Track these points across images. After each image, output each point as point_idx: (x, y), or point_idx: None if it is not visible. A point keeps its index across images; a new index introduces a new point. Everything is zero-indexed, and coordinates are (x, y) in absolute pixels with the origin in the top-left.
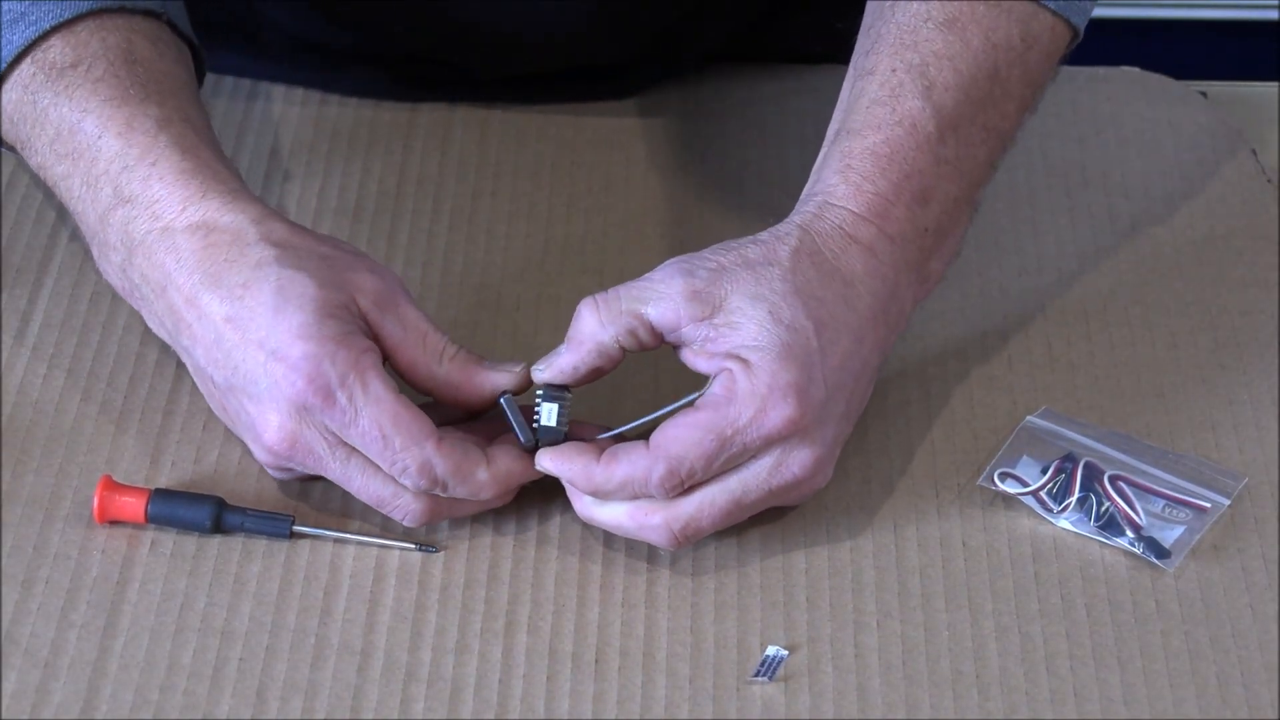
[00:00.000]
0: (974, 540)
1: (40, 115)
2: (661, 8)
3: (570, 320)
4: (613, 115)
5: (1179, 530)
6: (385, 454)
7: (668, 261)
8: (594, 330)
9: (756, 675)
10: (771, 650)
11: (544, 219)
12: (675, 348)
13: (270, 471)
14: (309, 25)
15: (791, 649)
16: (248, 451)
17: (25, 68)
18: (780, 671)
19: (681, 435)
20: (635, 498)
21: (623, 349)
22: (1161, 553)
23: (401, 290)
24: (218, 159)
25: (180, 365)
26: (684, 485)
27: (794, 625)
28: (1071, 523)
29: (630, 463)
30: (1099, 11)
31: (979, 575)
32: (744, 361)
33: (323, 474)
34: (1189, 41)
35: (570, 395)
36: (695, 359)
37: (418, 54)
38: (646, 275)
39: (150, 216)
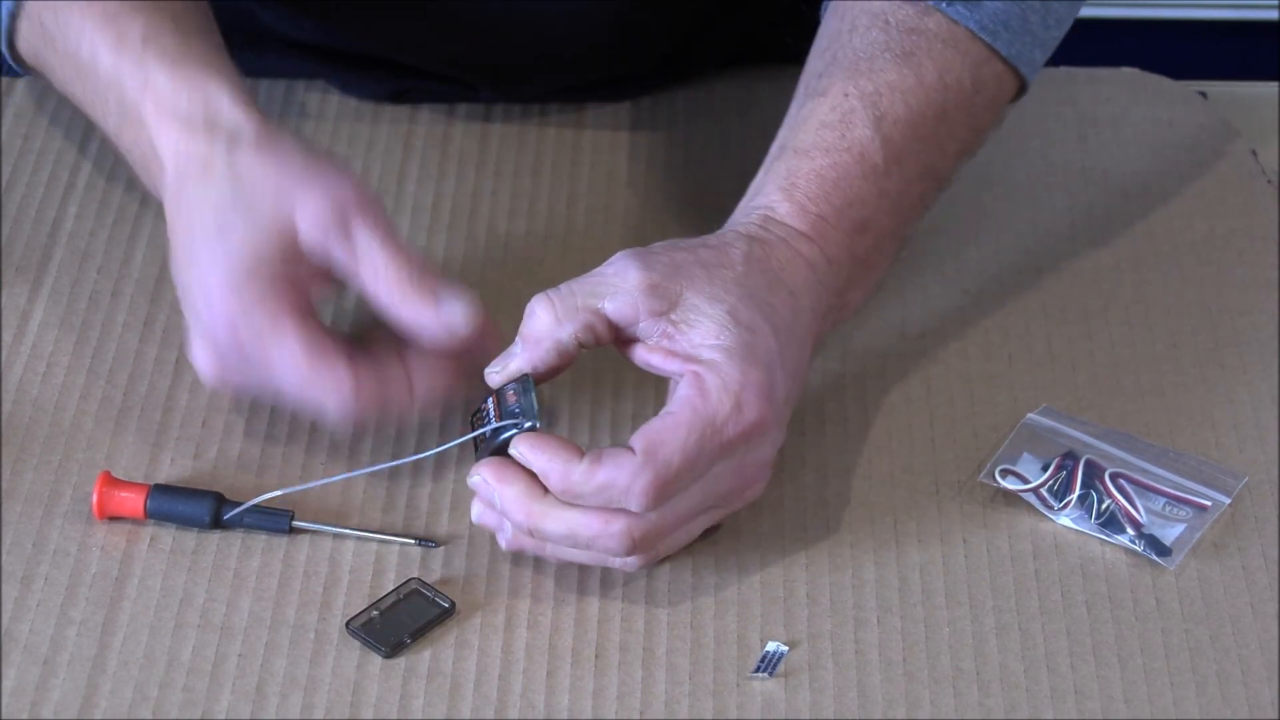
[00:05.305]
0: (974, 537)
1: (49, 40)
2: (673, 24)
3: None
4: (613, 115)
5: (1180, 528)
6: (309, 390)
7: (619, 255)
8: (550, 328)
9: (757, 671)
10: (771, 646)
11: (544, 219)
12: (626, 345)
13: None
14: (313, 37)
15: (792, 645)
16: (247, 448)
17: None
18: (780, 667)
19: (666, 437)
20: (606, 505)
21: (580, 345)
22: (1162, 550)
23: (358, 207)
24: (201, 64)
25: (179, 362)
26: (667, 495)
27: (794, 621)
28: (1072, 520)
29: (615, 466)
30: (1099, 12)
31: (979, 572)
32: (708, 362)
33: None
34: (1189, 41)
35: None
36: (650, 356)
37: (425, 72)
38: (598, 270)
39: (145, 131)
